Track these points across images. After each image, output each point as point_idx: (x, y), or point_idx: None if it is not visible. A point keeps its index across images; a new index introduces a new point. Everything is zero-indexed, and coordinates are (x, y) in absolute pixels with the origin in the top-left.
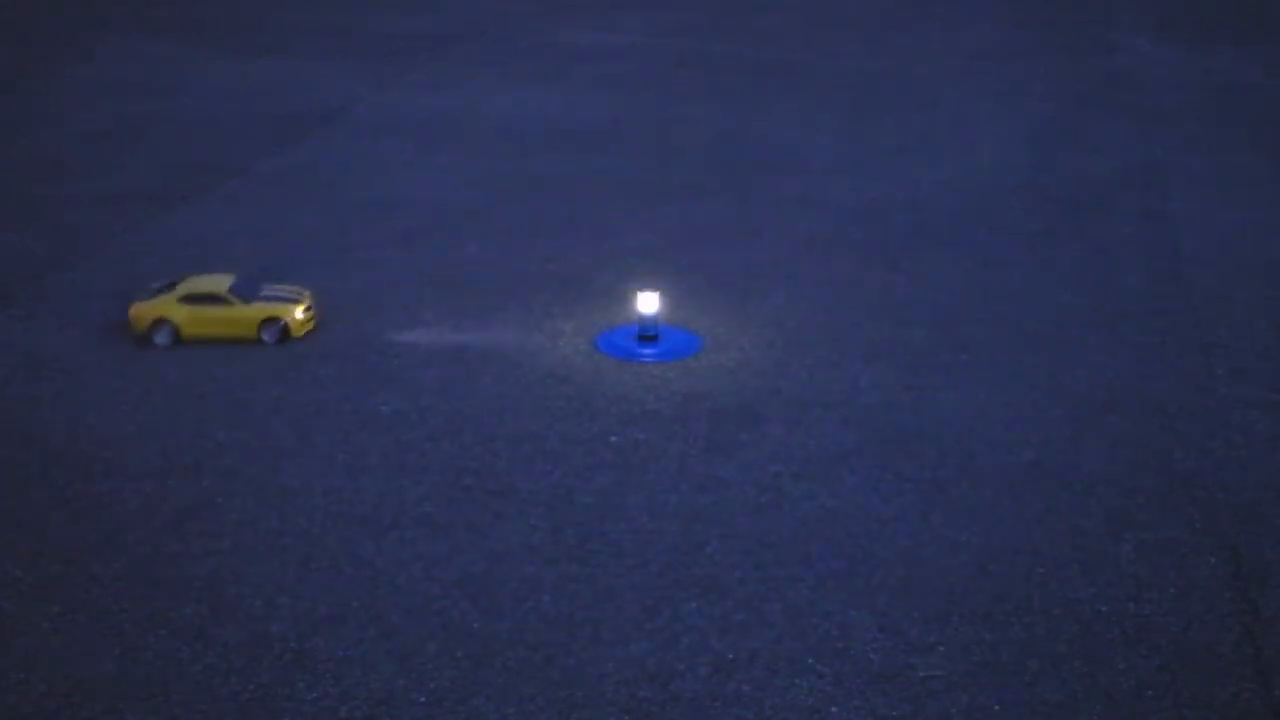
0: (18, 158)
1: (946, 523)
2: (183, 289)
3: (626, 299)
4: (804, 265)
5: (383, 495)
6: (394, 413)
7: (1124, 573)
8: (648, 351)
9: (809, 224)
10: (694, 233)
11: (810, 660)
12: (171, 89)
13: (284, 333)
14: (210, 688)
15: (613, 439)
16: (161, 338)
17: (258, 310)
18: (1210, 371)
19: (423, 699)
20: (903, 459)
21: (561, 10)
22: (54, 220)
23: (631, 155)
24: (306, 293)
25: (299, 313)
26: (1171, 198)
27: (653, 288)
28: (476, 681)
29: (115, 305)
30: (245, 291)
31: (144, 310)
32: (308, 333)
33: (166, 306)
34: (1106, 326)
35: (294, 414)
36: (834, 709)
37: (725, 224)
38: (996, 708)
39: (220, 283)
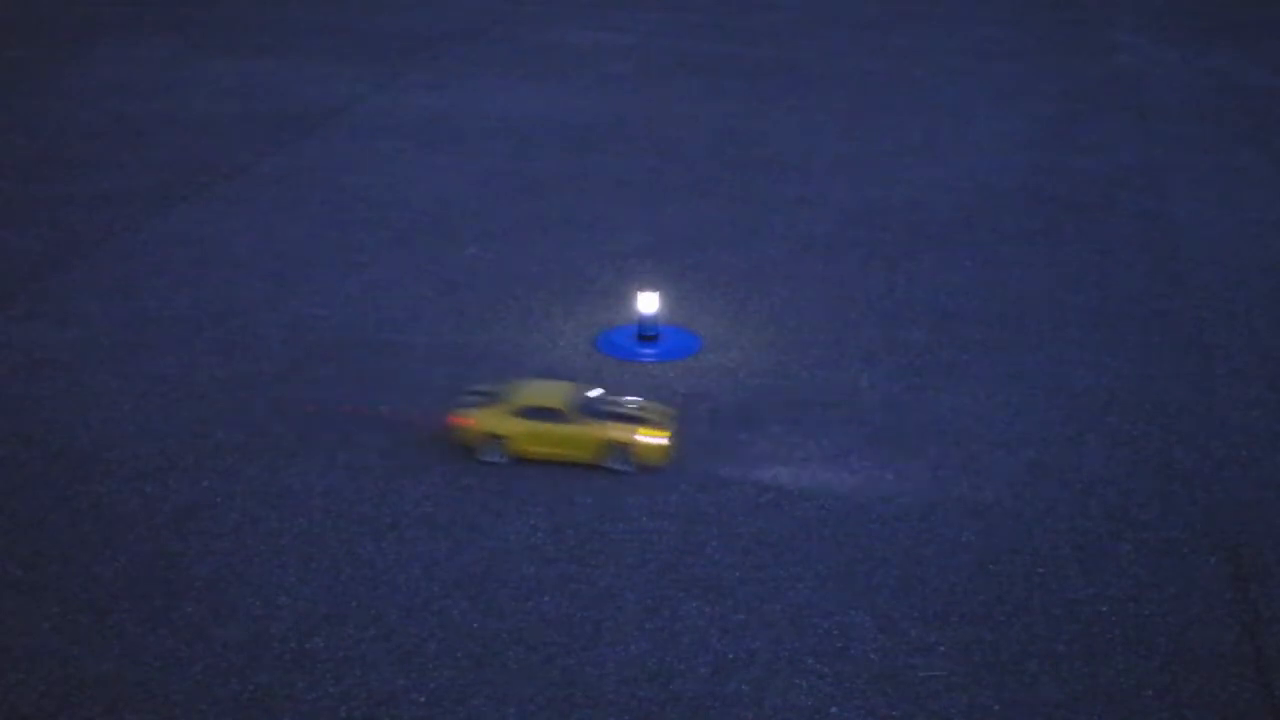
0: (17, 158)
1: (946, 523)
2: (519, 399)
3: (626, 299)
4: (804, 265)
5: (383, 495)
6: (394, 412)
7: (1124, 573)
8: (648, 351)
9: (809, 224)
10: (694, 233)
11: (810, 660)
12: (171, 89)
13: (637, 460)
14: (210, 688)
15: None
16: (492, 454)
17: (606, 431)
18: (1210, 371)
19: (423, 699)
20: (903, 459)
21: (561, 10)
22: (54, 220)
23: (631, 155)
24: (660, 408)
25: (653, 437)
26: (1171, 198)
27: (653, 288)
28: (476, 681)
29: (115, 305)
30: (589, 405)
31: (475, 423)
32: (664, 455)
33: (501, 421)
34: (1106, 326)
35: (294, 414)
36: (834, 709)
37: (725, 224)
38: (996, 708)
39: (560, 394)
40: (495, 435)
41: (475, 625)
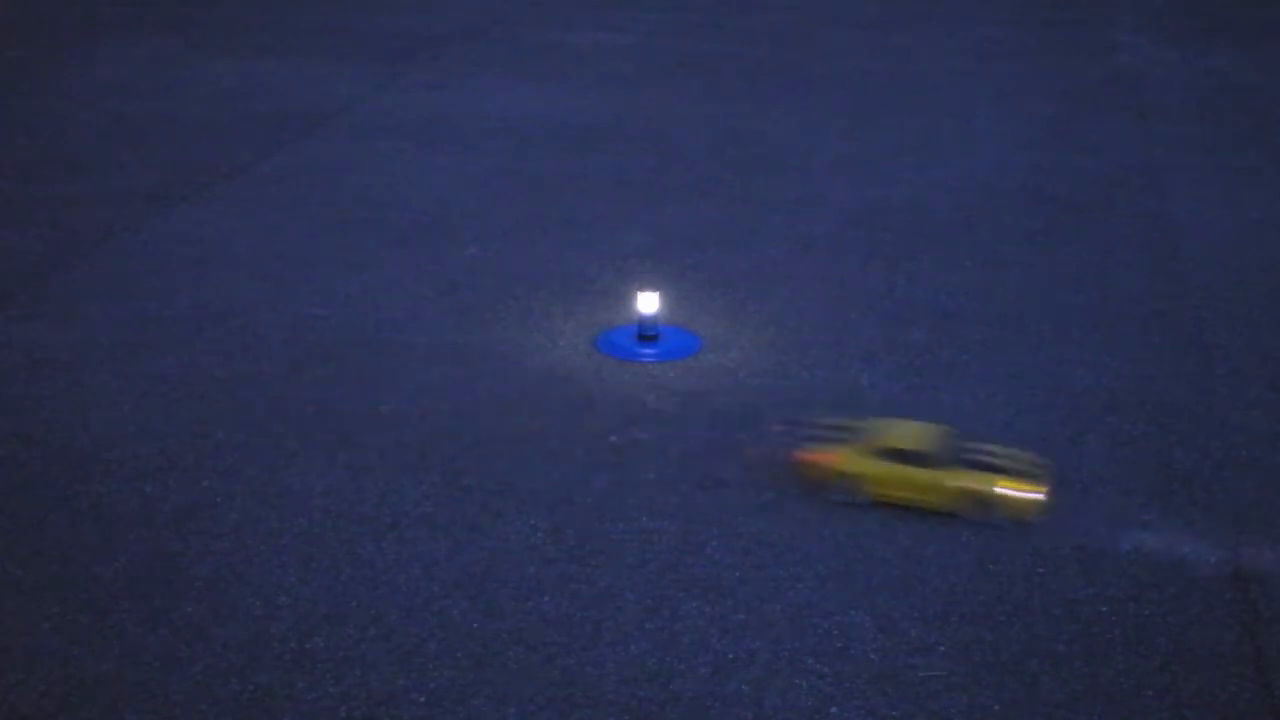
0: (18, 158)
1: (946, 523)
2: (883, 439)
3: (626, 299)
4: (804, 265)
5: (383, 495)
6: (393, 412)
7: (1124, 573)
8: (648, 351)
9: (809, 224)
10: (694, 233)
11: (810, 660)
12: (171, 89)
13: (1004, 513)
14: (210, 688)
15: (613, 439)
16: (846, 495)
17: (965, 481)
18: (1210, 371)
19: (423, 699)
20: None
21: (561, 10)
22: (54, 220)
23: (631, 155)
24: (1033, 459)
25: (1022, 491)
26: (1171, 198)
27: (653, 288)
28: (476, 681)
29: (115, 305)
30: (956, 452)
31: (829, 463)
32: (1033, 511)
33: (859, 461)
34: (1106, 326)
35: (294, 414)
36: (834, 709)
37: (725, 224)
38: (996, 708)
39: (925, 436)
40: (852, 475)
41: (475, 625)
